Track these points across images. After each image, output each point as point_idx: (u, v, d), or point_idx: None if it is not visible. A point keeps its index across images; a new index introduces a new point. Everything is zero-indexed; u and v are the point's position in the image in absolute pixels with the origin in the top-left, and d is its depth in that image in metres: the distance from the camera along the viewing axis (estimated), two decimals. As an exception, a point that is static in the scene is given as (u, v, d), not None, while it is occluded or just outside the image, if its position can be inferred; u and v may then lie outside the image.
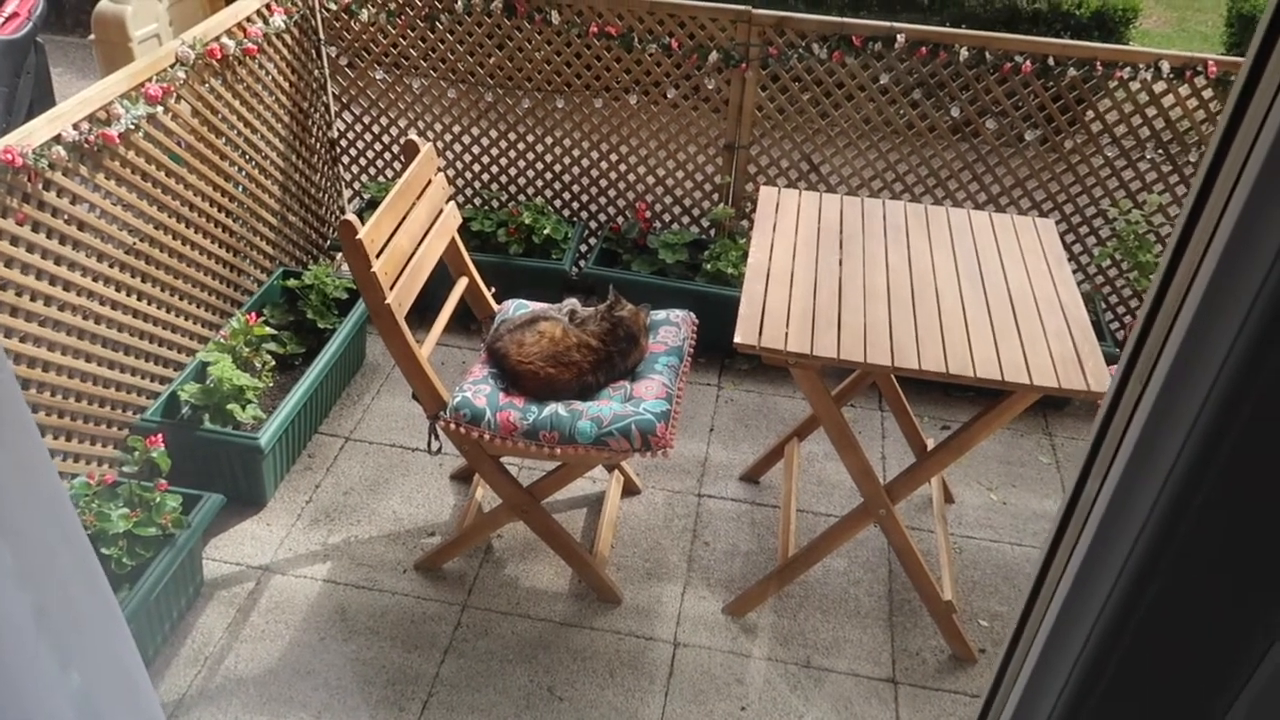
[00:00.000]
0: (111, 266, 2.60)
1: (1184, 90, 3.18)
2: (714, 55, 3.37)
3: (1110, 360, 2.16)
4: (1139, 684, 0.60)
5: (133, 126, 2.61)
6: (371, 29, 3.56)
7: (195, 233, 2.96)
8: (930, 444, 2.80)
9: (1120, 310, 3.64)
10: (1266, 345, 0.44)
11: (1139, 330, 0.55)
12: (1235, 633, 0.56)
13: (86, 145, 2.46)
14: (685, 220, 3.80)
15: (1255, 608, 0.55)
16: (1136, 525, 0.54)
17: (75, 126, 2.42)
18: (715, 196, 3.70)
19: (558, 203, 3.86)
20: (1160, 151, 3.31)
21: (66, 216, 2.43)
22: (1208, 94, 3.17)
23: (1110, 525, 0.56)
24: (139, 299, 2.73)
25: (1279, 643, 0.56)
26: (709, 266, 3.49)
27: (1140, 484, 0.53)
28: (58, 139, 2.37)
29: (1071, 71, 3.18)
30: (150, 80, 2.68)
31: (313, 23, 3.54)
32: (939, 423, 3.32)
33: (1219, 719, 0.61)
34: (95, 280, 2.54)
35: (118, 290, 2.63)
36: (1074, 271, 3.41)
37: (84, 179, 2.49)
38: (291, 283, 3.29)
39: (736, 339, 2.09)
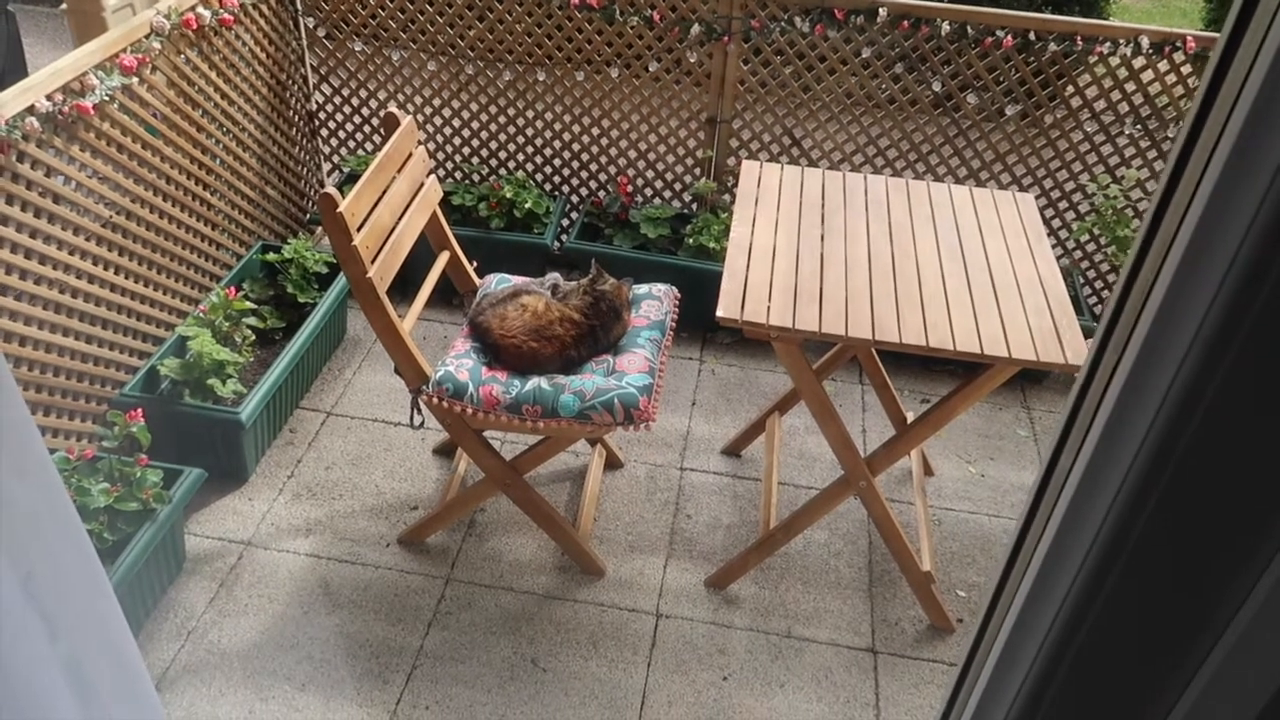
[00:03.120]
0: (88, 240, 2.58)
1: (1163, 66, 3.19)
2: (696, 28, 3.35)
3: (1088, 334, 2.19)
4: (1108, 652, 0.62)
5: (107, 98, 2.57)
6: (350, -1, 3.52)
7: (173, 206, 2.94)
8: (910, 417, 2.82)
9: (1098, 285, 3.67)
10: (1237, 320, 0.46)
11: (1115, 303, 0.56)
12: (1200, 605, 0.58)
13: (60, 117, 2.43)
14: (667, 194, 3.80)
15: (1222, 578, 0.57)
16: (1109, 495, 0.55)
17: (49, 97, 2.38)
18: (697, 170, 3.70)
19: (539, 176, 3.84)
20: (1139, 127, 3.33)
21: (41, 189, 2.40)
22: (1186, 69, 3.19)
23: (1084, 494, 0.58)
24: (116, 273, 2.70)
25: (1241, 614, 0.57)
26: (691, 241, 3.49)
27: (1114, 454, 0.54)
28: (31, 110, 2.33)
29: (1052, 46, 3.19)
30: (125, 51, 2.64)
31: (290, -7, 3.50)
32: (919, 396, 3.35)
33: (1181, 689, 0.63)
34: (71, 254, 2.52)
35: (94, 264, 2.61)
36: (1053, 246, 3.44)
37: (58, 151, 2.46)
38: (271, 256, 3.26)
39: (719, 312, 2.09)
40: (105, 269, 2.65)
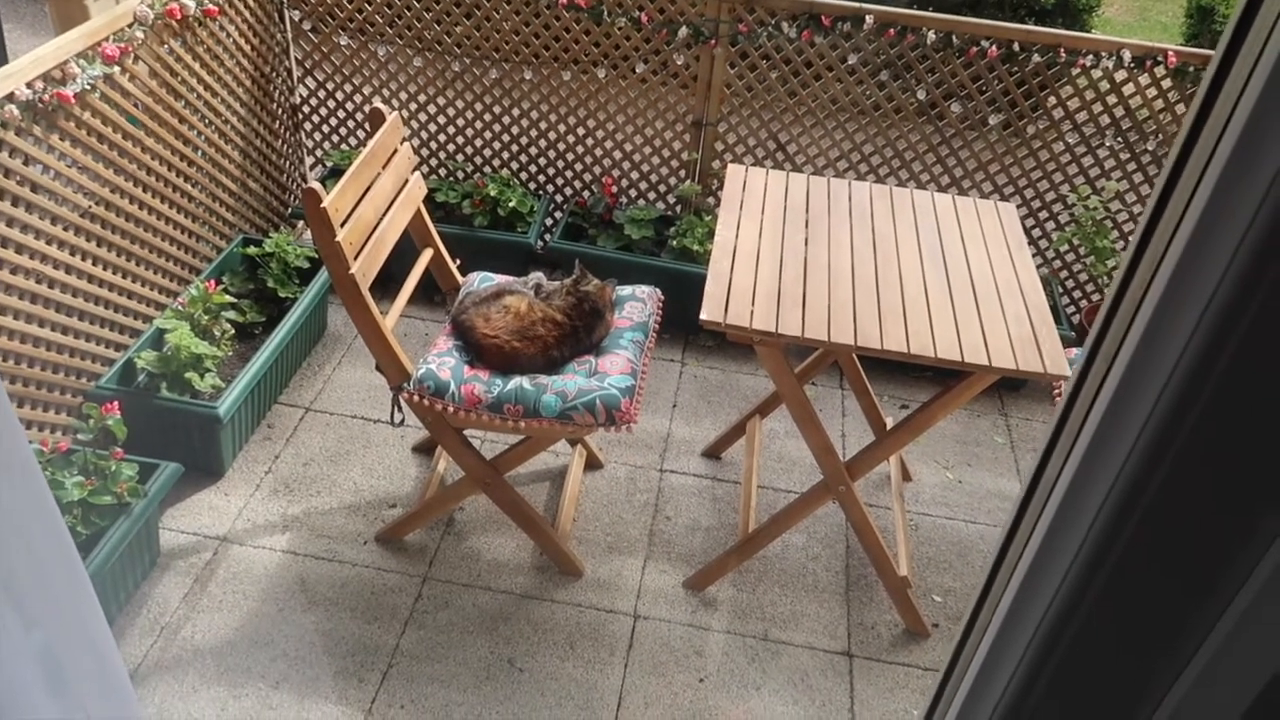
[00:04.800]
0: (66, 230, 2.55)
1: (1144, 79, 3.23)
2: (684, 30, 3.35)
3: (1066, 344, 2.21)
4: (1089, 664, 0.63)
5: (89, 87, 2.54)
6: (336, -7, 3.50)
7: (153, 197, 2.91)
8: (889, 423, 2.84)
9: (1076, 295, 3.70)
10: (1225, 337, 0.46)
11: (1104, 315, 0.57)
12: (1180, 615, 0.59)
13: (41, 105, 2.40)
14: (651, 196, 3.80)
15: (1202, 589, 0.57)
16: (1094, 507, 0.56)
17: (29, 85, 2.35)
18: (682, 173, 3.70)
19: (524, 175, 3.83)
20: (1119, 139, 3.37)
21: (19, 178, 2.37)
22: (1167, 84, 3.23)
23: (1069, 507, 0.58)
24: (94, 263, 2.67)
25: (1220, 625, 0.58)
26: (674, 243, 3.49)
27: (1099, 468, 0.55)
28: (10, 97, 2.30)
29: (1036, 57, 3.22)
30: (107, 39, 2.61)
31: (275, -15, 3.47)
32: (898, 402, 3.37)
33: (1159, 701, 0.63)
34: (49, 243, 2.49)
35: (72, 254, 2.58)
36: (1032, 255, 3.47)
37: (38, 139, 2.43)
38: (252, 250, 3.24)
39: (703, 316, 2.10)
40: (83, 259, 2.62)
